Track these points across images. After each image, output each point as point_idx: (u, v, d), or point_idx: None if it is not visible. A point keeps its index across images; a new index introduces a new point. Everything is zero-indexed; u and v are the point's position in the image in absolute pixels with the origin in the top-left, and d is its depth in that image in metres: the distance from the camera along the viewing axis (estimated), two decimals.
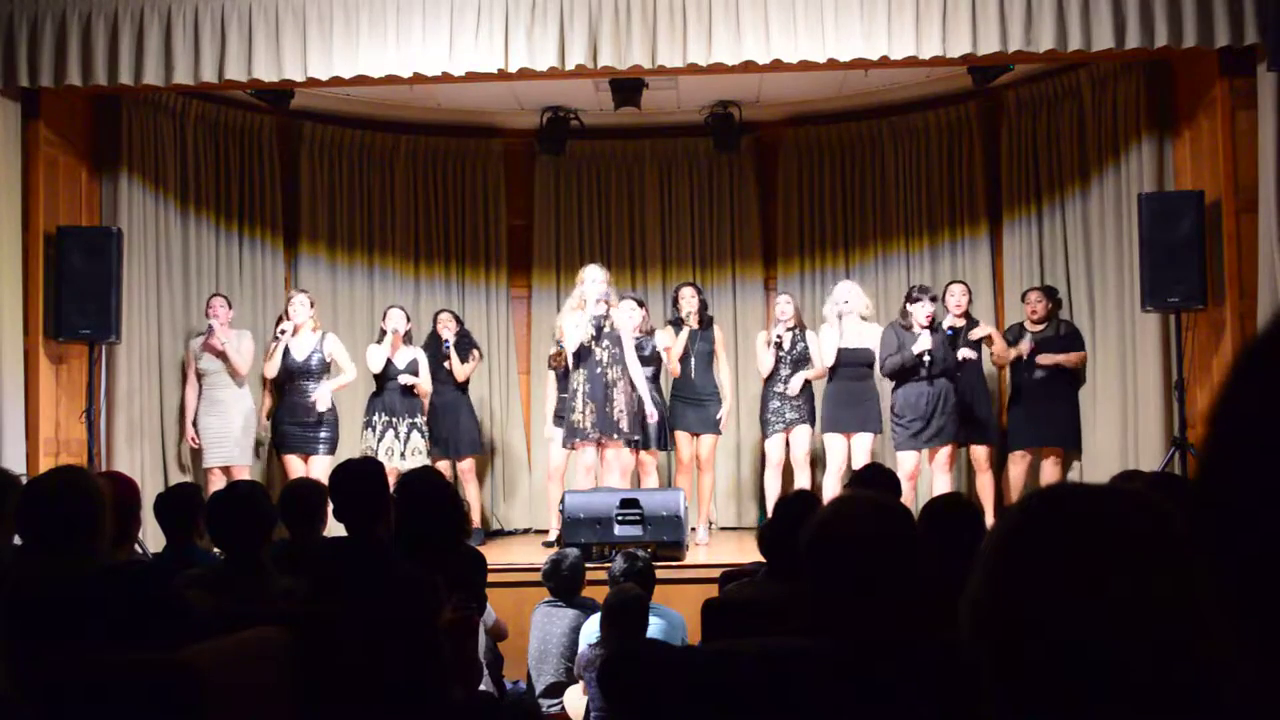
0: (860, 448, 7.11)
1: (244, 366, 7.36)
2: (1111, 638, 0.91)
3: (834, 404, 7.21)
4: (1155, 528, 0.96)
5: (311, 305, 7.46)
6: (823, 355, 7.25)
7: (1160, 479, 3.87)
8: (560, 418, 7.54)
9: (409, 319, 7.79)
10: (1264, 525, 0.65)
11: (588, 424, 6.87)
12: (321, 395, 7.32)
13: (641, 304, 7.38)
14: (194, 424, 7.35)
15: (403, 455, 7.47)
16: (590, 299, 7.00)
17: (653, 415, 7.08)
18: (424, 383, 7.73)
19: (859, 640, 1.80)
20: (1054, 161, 8.06)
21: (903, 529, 1.87)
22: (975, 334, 7.27)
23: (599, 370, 6.90)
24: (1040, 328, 7.54)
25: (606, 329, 6.95)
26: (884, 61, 6.50)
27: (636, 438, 7.11)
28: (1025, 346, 7.28)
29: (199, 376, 7.37)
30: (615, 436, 6.89)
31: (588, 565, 5.15)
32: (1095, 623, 0.92)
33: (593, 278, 7.11)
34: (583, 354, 6.97)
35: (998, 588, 0.97)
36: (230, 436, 7.28)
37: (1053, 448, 7.44)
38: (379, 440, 7.54)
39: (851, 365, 7.17)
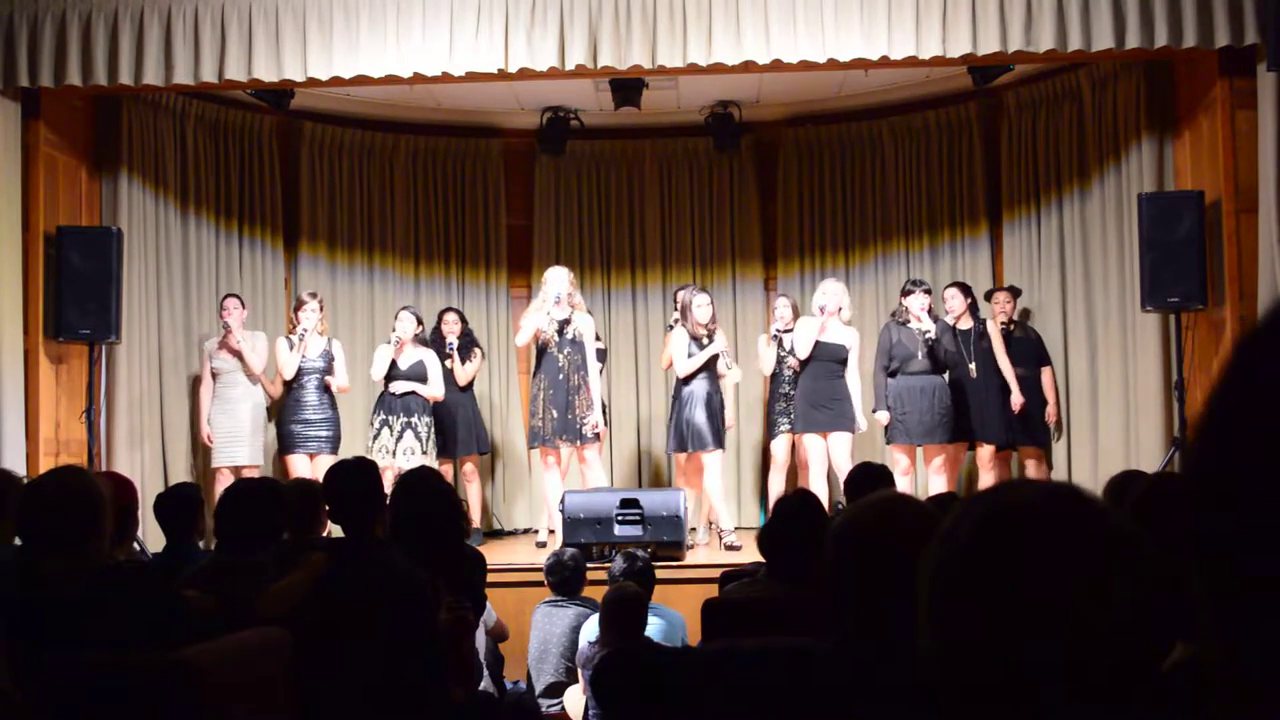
0: (838, 445, 7.08)
1: (259, 367, 7.42)
2: (1061, 638, 0.91)
3: (808, 404, 7.15)
4: (1094, 525, 0.95)
5: (321, 308, 7.51)
6: (799, 345, 7.17)
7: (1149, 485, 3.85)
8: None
9: (420, 322, 7.74)
10: (1255, 514, 0.65)
11: (549, 429, 6.86)
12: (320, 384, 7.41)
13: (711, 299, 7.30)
14: (208, 422, 7.39)
15: (393, 454, 7.40)
16: (549, 298, 6.96)
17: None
18: (431, 388, 7.57)
19: (878, 640, 1.78)
20: (1054, 162, 8.05)
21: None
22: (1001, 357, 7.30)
23: (560, 376, 6.88)
24: (1011, 328, 7.57)
25: (570, 335, 6.93)
26: (884, 61, 6.49)
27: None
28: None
29: (213, 376, 7.41)
30: (577, 441, 6.87)
31: (587, 565, 5.15)
32: (1045, 624, 0.91)
33: (554, 278, 7.04)
34: (543, 357, 6.95)
35: (951, 593, 0.97)
36: (239, 436, 7.32)
37: (1029, 447, 7.49)
38: (374, 439, 7.53)
39: (826, 360, 7.13)
